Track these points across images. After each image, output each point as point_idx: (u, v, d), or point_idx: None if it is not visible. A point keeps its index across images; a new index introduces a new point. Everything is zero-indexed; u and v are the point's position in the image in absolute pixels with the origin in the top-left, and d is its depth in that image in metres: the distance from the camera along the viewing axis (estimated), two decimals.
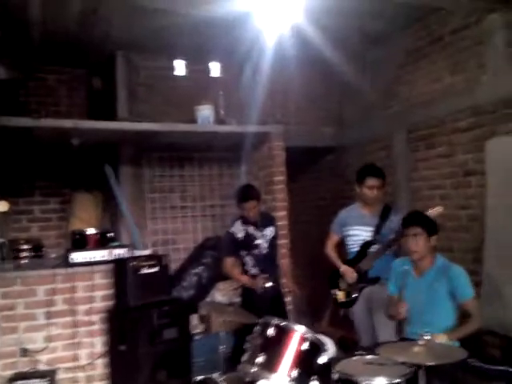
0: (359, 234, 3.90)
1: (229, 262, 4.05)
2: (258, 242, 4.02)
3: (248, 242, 4.02)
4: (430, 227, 3.01)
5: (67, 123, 4.25)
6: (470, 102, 4.18)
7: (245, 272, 4.05)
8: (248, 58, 5.08)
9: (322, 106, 6.01)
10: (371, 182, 3.85)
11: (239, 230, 4.04)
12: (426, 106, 4.64)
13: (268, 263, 4.03)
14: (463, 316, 2.98)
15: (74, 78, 5.40)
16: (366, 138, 5.52)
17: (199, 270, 4.72)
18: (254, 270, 4.01)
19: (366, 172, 3.92)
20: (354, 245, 3.92)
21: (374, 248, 3.80)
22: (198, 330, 4.37)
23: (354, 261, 3.86)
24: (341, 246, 4.11)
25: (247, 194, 4.03)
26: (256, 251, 4.01)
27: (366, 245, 3.84)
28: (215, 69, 5.59)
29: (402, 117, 4.98)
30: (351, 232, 3.95)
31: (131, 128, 4.52)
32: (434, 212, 3.39)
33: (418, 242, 2.96)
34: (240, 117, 5.12)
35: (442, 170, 4.52)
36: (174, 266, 4.66)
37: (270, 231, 4.11)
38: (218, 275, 4.79)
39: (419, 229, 2.97)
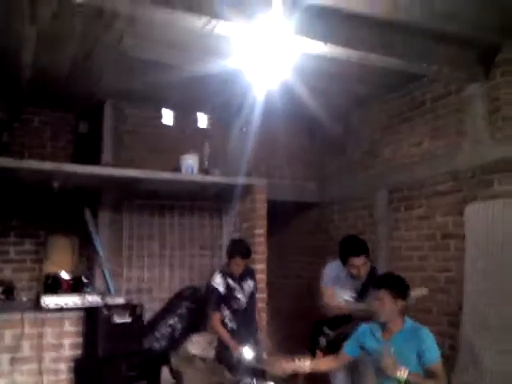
0: (342, 296, 3.78)
1: (217, 318, 3.95)
2: (237, 295, 3.97)
3: (228, 296, 3.96)
4: (397, 291, 3.02)
5: (49, 166, 4.23)
6: (449, 167, 4.27)
7: (223, 324, 3.95)
8: (237, 112, 5.18)
9: (306, 162, 6.11)
10: (356, 261, 3.62)
11: (220, 283, 3.98)
12: (408, 168, 4.74)
13: (246, 317, 3.96)
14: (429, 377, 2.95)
15: (60, 120, 5.40)
16: (349, 196, 5.58)
17: (174, 321, 4.61)
18: (231, 324, 3.93)
19: (348, 251, 3.67)
20: None
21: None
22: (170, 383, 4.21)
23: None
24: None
25: (243, 250, 4.00)
26: (235, 305, 3.95)
27: None
28: (202, 120, 5.69)
29: (385, 177, 5.06)
30: (335, 291, 3.81)
31: (114, 174, 4.50)
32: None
33: (383, 305, 2.98)
34: (225, 168, 5.16)
35: (421, 232, 4.56)
36: (147, 315, 4.55)
37: (248, 285, 4.06)
38: (192, 327, 4.69)
39: (385, 292, 2.99)
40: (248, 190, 5.12)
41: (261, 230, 5.00)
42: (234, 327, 3.95)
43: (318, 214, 6.13)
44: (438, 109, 4.46)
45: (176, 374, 4.31)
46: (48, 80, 4.63)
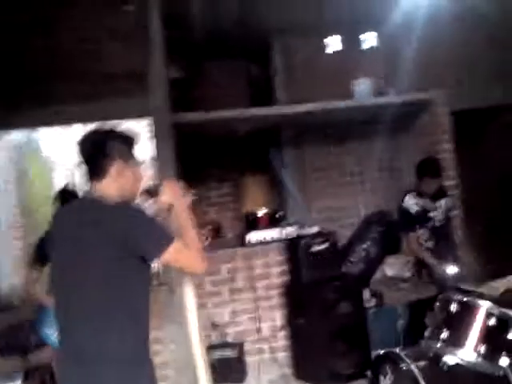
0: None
1: (413, 238, 3.94)
2: (432, 214, 3.90)
3: (422, 216, 3.92)
4: None
5: (234, 113, 4.56)
6: None
7: (419, 245, 3.96)
8: (403, 23, 4.88)
9: (487, 63, 5.52)
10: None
11: (413, 204, 3.94)
12: None
13: (442, 236, 3.89)
14: None
15: (234, 68, 5.68)
16: None
17: (367, 245, 4.72)
18: (428, 243, 3.90)
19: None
20: None
21: None
22: (371, 305, 4.40)
23: None
24: None
25: (432, 169, 3.92)
26: (430, 225, 3.89)
27: None
28: (370, 39, 5.46)
29: None
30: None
31: (290, 111, 4.67)
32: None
33: None
34: (400, 86, 4.96)
35: None
36: (340, 243, 4.75)
37: (444, 203, 3.95)
38: (386, 250, 4.77)
39: None
40: (427, 104, 4.88)
41: (446, 146, 4.77)
42: (431, 246, 3.90)
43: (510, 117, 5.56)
44: None
45: (377, 295, 4.48)
46: (218, 30, 4.89)
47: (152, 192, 1.95)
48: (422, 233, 3.93)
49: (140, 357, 1.69)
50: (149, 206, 1.94)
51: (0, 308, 3.23)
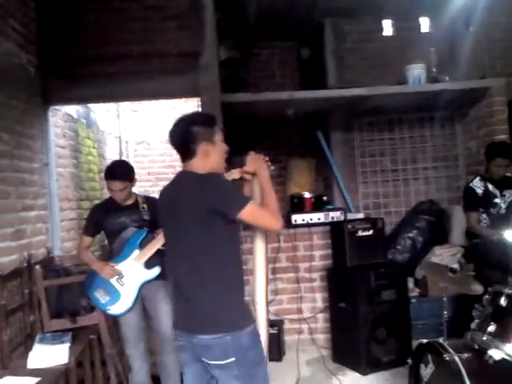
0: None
1: (473, 217, 3.85)
2: (496, 200, 3.79)
3: (486, 199, 3.82)
4: None
5: (283, 95, 4.55)
6: None
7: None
8: (459, 9, 4.72)
9: None
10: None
11: (478, 186, 3.85)
12: None
13: (504, 225, 3.75)
14: None
15: (284, 50, 5.69)
16: None
17: (413, 234, 4.66)
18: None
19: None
20: None
21: None
22: (414, 294, 4.36)
23: None
24: None
25: (503, 149, 3.86)
26: (493, 210, 3.78)
27: None
28: (424, 24, 5.31)
29: None
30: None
31: (341, 95, 4.61)
32: None
33: None
34: (454, 73, 4.82)
35: None
36: (386, 230, 4.70)
37: (510, 194, 3.82)
38: (433, 240, 4.69)
39: None
40: (483, 93, 4.73)
41: (502, 136, 4.61)
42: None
43: None
44: None
45: (420, 284, 4.43)
46: (270, 12, 4.87)
47: (237, 162, 2.19)
48: (483, 217, 3.84)
49: (228, 299, 2.01)
50: (233, 174, 2.23)
51: (53, 271, 3.38)
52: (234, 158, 2.17)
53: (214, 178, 2.02)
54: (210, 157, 2.06)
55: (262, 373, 2.03)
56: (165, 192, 2.19)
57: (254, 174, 2.17)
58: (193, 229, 1.98)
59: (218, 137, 2.11)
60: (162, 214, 2.19)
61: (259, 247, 2.25)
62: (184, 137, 2.06)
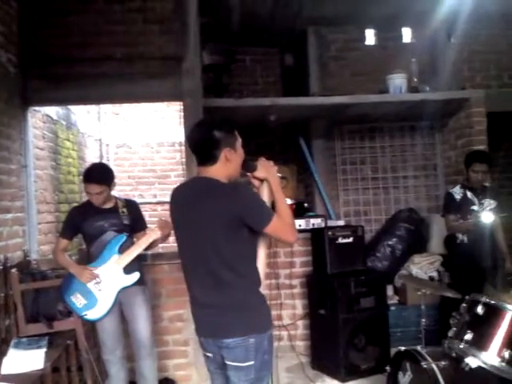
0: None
1: (451, 218, 3.89)
2: (473, 207, 3.83)
3: (464, 205, 3.86)
4: None
5: (265, 101, 4.56)
6: None
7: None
8: (442, 20, 4.79)
9: None
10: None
11: (457, 192, 3.91)
12: None
13: (481, 234, 3.79)
14: None
15: (267, 56, 5.70)
16: None
17: (393, 241, 4.70)
18: (463, 236, 3.80)
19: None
20: None
21: None
22: (393, 301, 4.39)
23: None
24: None
25: (479, 154, 3.98)
26: (470, 217, 3.81)
27: None
28: (407, 35, 5.39)
29: None
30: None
31: (323, 102, 4.64)
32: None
33: None
34: (434, 83, 4.89)
35: None
36: (366, 237, 4.73)
37: (488, 203, 3.87)
38: (412, 248, 4.73)
39: None
40: (463, 104, 4.80)
41: (480, 147, 4.67)
42: (466, 241, 3.82)
43: None
44: None
45: (400, 292, 4.46)
46: (254, 19, 4.89)
47: (248, 168, 2.13)
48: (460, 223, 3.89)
49: (251, 302, 2.04)
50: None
51: (29, 274, 3.31)
52: (248, 162, 2.13)
53: (242, 189, 2.01)
54: (231, 162, 2.04)
55: (267, 376, 2.11)
56: (180, 196, 2.15)
57: (262, 181, 2.14)
58: (215, 237, 1.97)
59: (239, 143, 2.09)
60: (174, 217, 2.15)
61: (261, 255, 2.18)
62: (207, 142, 2.03)
